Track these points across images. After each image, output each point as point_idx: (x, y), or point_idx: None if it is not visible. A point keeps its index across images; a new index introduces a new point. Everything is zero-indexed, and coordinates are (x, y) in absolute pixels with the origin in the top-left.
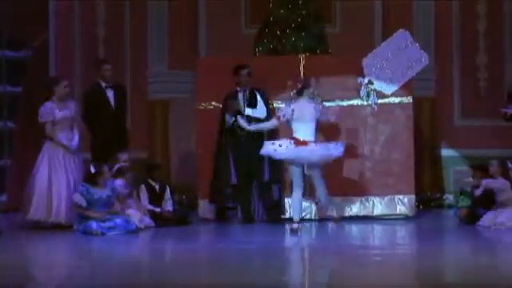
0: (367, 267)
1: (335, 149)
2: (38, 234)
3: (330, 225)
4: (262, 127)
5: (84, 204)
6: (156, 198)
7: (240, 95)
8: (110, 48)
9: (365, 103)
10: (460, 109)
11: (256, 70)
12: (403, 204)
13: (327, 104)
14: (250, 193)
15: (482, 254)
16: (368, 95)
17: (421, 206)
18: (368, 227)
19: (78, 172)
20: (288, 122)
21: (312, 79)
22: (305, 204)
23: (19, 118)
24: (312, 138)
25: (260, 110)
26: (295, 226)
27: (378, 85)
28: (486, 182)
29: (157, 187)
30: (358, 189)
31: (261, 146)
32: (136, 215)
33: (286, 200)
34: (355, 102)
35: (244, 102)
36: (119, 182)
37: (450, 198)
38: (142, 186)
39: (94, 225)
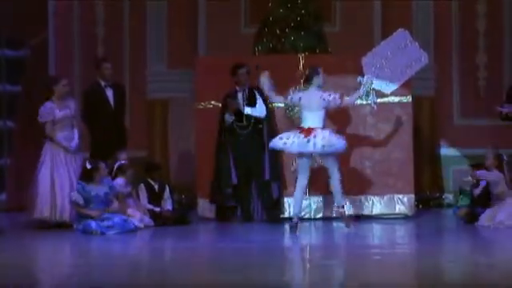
0: (366, 266)
1: (339, 142)
2: (39, 233)
3: (330, 224)
4: (271, 96)
5: (81, 202)
6: (155, 198)
7: (239, 95)
8: (109, 48)
9: (364, 102)
10: (459, 108)
11: (255, 70)
12: (402, 203)
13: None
14: (250, 192)
15: (482, 253)
16: (367, 94)
17: (420, 206)
18: (367, 226)
19: (79, 171)
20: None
21: (320, 68)
22: (305, 203)
23: (18, 117)
24: (319, 126)
25: (259, 109)
26: (294, 221)
27: (377, 84)
28: (480, 174)
29: (156, 187)
30: (357, 188)
31: (260, 145)
32: (136, 214)
33: (286, 199)
34: None
35: (243, 101)
36: (120, 181)
37: (449, 197)
38: (142, 186)
39: (93, 224)
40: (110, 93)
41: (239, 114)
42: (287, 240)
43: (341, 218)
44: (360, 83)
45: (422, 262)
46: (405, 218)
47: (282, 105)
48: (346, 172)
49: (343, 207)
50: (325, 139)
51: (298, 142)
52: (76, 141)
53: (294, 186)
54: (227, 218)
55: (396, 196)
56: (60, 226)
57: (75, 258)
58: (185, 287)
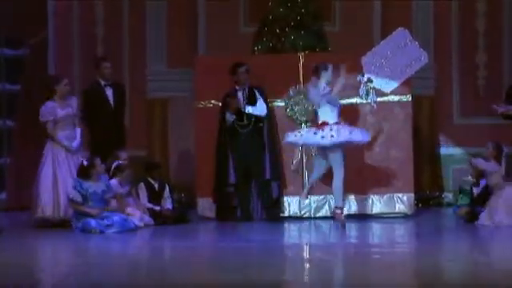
0: (366, 265)
1: (356, 134)
2: (39, 232)
3: (330, 223)
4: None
5: (79, 199)
6: (155, 197)
7: (239, 94)
8: (109, 47)
9: (364, 101)
10: (459, 107)
11: (255, 69)
12: (402, 202)
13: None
14: (249, 191)
15: (481, 252)
16: (367, 93)
17: (420, 205)
18: (367, 225)
19: None
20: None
21: (330, 64)
22: (305, 202)
23: (18, 116)
24: (332, 120)
25: (260, 108)
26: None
27: (377, 83)
28: (477, 161)
29: (156, 186)
30: (357, 187)
31: (260, 144)
32: (136, 213)
33: (286, 198)
34: (354, 100)
35: (244, 100)
36: (114, 182)
37: (449, 196)
38: (141, 185)
39: (92, 222)
40: (109, 92)
41: (240, 113)
42: (287, 239)
43: (335, 218)
44: (360, 82)
45: (422, 261)
46: (404, 217)
47: (282, 104)
48: (346, 171)
49: (340, 209)
50: (332, 131)
51: (306, 135)
52: (78, 140)
53: (294, 186)
54: (227, 217)
55: (396, 195)
56: (62, 225)
57: (75, 257)
58: (185, 286)
